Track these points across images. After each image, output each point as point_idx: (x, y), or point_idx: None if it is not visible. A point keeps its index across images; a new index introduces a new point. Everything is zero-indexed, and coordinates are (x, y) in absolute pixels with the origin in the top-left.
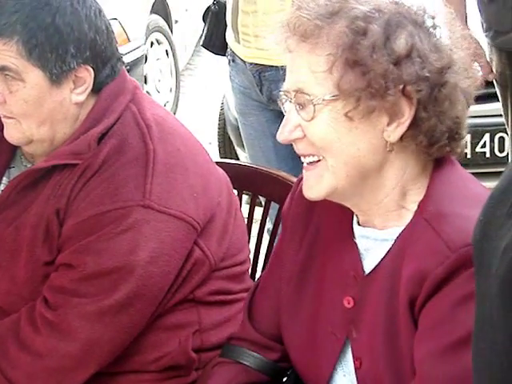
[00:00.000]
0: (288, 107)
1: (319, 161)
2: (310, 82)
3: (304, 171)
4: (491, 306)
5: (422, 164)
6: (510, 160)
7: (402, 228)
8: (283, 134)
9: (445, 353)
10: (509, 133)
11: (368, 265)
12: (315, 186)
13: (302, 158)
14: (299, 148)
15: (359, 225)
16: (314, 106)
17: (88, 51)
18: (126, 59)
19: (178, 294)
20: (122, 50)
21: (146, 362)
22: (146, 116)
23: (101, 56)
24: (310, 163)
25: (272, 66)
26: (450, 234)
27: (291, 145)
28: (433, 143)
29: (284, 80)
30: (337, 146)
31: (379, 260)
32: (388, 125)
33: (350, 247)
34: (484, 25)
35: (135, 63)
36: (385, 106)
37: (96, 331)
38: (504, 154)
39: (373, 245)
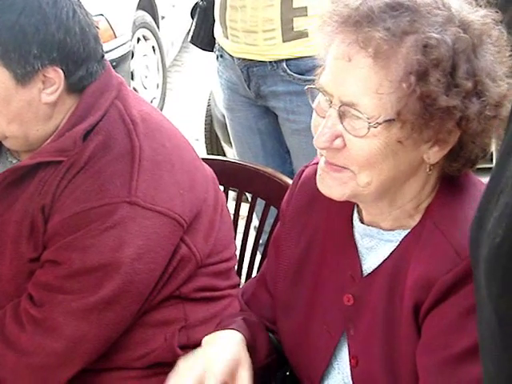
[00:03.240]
0: (329, 113)
1: (345, 168)
2: (368, 102)
3: (322, 166)
4: (480, 288)
5: (442, 177)
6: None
7: (408, 230)
8: (323, 143)
9: (451, 362)
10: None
11: (369, 264)
12: (335, 188)
13: (321, 151)
14: (334, 157)
15: (362, 222)
16: (369, 127)
17: (55, 52)
18: (113, 55)
19: (164, 291)
20: (108, 46)
21: (131, 358)
22: (132, 112)
23: (72, 58)
24: (333, 164)
25: (260, 62)
26: (459, 239)
27: (279, 141)
28: (465, 166)
29: (272, 76)
30: (379, 167)
31: (382, 260)
32: (430, 148)
33: (349, 246)
34: None
35: (122, 59)
36: (435, 132)
37: (81, 328)
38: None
39: (376, 244)
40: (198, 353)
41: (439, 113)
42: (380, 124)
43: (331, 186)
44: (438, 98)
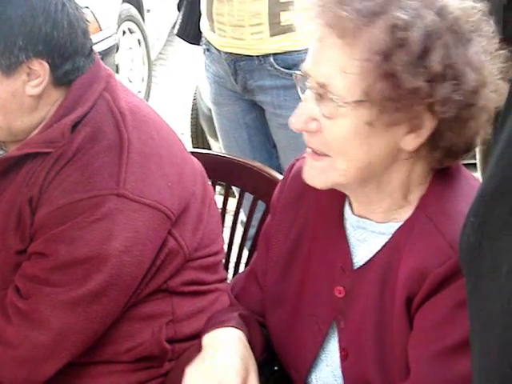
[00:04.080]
0: (306, 94)
1: (325, 155)
2: (338, 82)
3: (307, 157)
4: (503, 308)
5: (429, 168)
6: (477, 159)
7: (401, 223)
8: (298, 123)
9: (443, 355)
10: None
11: (360, 256)
12: (317, 176)
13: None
14: (311, 142)
15: (354, 214)
16: (338, 106)
17: (41, 45)
18: (98, 48)
19: (152, 284)
20: (93, 38)
21: (118, 352)
22: (120, 104)
23: (58, 51)
24: (315, 153)
25: (247, 56)
26: (453, 233)
27: (265, 135)
28: (448, 156)
29: (259, 70)
30: (352, 151)
31: (374, 253)
32: (407, 134)
33: (339, 237)
34: None
35: (107, 52)
36: (408, 117)
37: (68, 321)
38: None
39: (369, 236)
40: (204, 359)
41: (406, 94)
42: (348, 104)
43: (313, 175)
44: (403, 78)
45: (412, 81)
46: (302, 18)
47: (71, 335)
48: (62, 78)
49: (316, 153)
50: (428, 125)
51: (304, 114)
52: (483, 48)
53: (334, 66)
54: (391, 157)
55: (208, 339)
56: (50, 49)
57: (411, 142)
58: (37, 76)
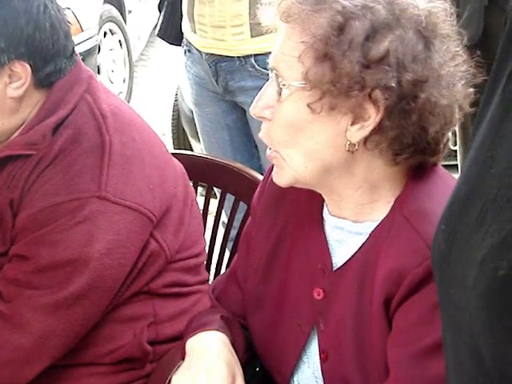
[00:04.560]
0: (268, 81)
1: (277, 152)
2: (283, 65)
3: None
4: (471, 317)
5: (393, 164)
6: (458, 161)
7: (377, 223)
8: (256, 109)
9: (421, 355)
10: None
11: (339, 257)
12: (277, 175)
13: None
14: (262, 130)
15: (331, 215)
16: (283, 89)
17: (23, 47)
18: (79, 49)
19: (133, 286)
20: (75, 39)
21: (99, 354)
22: (102, 106)
23: (40, 53)
24: (271, 152)
25: (228, 57)
26: (430, 233)
27: (247, 136)
28: (396, 153)
29: (240, 71)
30: (299, 140)
31: (352, 253)
32: (352, 124)
33: (319, 238)
34: None
35: (88, 53)
36: (349, 105)
37: (50, 324)
38: (457, 147)
39: (346, 237)
40: (190, 365)
41: (342, 77)
42: (291, 86)
43: (275, 174)
44: (339, 61)
45: (347, 65)
46: (269, 15)
47: (53, 338)
48: (43, 80)
49: (271, 149)
50: (372, 116)
51: (262, 101)
52: (439, 48)
53: (281, 50)
54: (340, 149)
55: (192, 344)
56: (32, 51)
57: (355, 133)
58: (18, 78)
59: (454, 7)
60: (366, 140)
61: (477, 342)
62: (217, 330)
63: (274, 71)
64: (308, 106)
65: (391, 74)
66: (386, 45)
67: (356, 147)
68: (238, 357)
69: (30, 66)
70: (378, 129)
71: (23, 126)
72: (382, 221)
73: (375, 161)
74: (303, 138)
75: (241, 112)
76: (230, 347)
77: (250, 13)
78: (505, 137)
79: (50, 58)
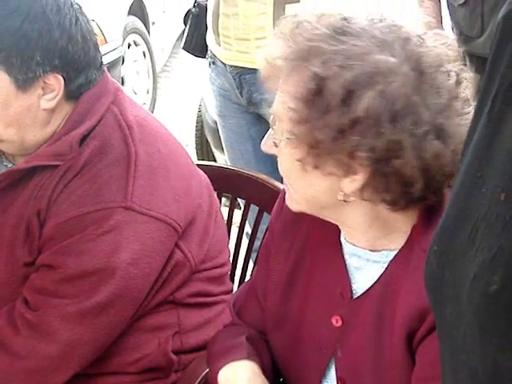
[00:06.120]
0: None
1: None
2: (275, 118)
3: None
4: (466, 334)
5: (395, 210)
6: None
7: (395, 252)
8: (264, 146)
9: None
10: None
11: (359, 283)
12: (287, 199)
13: None
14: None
15: (348, 242)
16: (277, 139)
17: (57, 59)
18: (104, 61)
19: (158, 296)
20: None
21: (125, 363)
22: (128, 118)
23: (73, 65)
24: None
25: (252, 69)
26: None
27: None
28: (392, 203)
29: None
30: (296, 183)
31: (371, 283)
32: (344, 176)
33: (338, 264)
34: (454, 29)
35: (112, 65)
36: (333, 163)
37: (76, 332)
38: None
39: (364, 264)
40: None
41: (319, 142)
42: (283, 139)
43: (286, 199)
44: (315, 126)
45: (322, 131)
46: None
47: (79, 346)
48: (74, 92)
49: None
50: (361, 172)
51: (269, 139)
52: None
53: (277, 100)
54: (335, 196)
55: (225, 376)
56: (66, 63)
57: (348, 185)
58: (52, 90)
59: (479, 20)
60: (363, 189)
61: (471, 360)
62: (247, 359)
63: (271, 118)
64: (297, 160)
65: (365, 139)
66: (363, 107)
67: (351, 198)
68: (268, 380)
69: (63, 77)
70: (369, 182)
71: (51, 137)
72: (399, 250)
73: (379, 204)
74: (302, 186)
75: (264, 124)
76: (263, 377)
77: (273, 25)
78: (494, 157)
79: (82, 69)
